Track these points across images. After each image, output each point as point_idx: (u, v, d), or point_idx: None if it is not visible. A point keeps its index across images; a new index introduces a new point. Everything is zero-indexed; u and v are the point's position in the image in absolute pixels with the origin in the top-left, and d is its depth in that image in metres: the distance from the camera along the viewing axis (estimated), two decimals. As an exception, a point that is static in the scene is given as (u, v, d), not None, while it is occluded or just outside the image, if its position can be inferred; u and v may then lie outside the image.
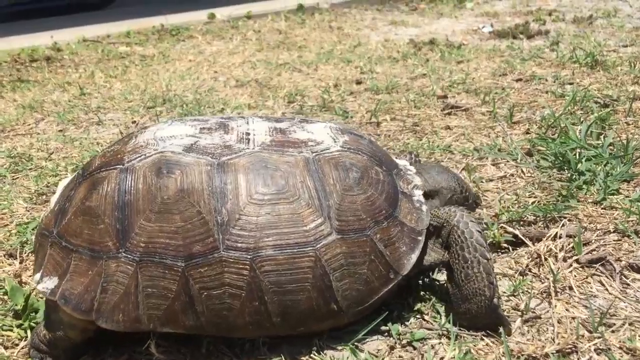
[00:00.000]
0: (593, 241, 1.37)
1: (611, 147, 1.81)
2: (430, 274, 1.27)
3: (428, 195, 1.26)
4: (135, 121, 2.63)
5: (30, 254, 1.56)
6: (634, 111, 2.13)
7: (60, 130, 2.58)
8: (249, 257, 1.03)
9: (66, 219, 1.11)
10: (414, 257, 1.11)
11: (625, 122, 2.05)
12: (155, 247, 1.04)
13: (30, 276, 1.45)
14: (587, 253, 1.32)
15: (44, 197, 1.90)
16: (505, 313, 1.15)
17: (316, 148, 1.13)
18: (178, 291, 1.03)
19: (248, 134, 1.15)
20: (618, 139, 1.87)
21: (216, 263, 1.02)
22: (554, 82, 2.66)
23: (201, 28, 4.73)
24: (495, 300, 1.08)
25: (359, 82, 2.96)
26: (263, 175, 1.07)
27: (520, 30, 3.88)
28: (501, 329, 1.08)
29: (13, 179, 2.06)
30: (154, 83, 3.24)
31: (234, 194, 1.05)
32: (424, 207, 1.18)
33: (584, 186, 1.60)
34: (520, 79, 2.77)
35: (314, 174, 1.09)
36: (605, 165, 1.69)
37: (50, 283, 1.08)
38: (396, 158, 1.35)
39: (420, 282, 1.28)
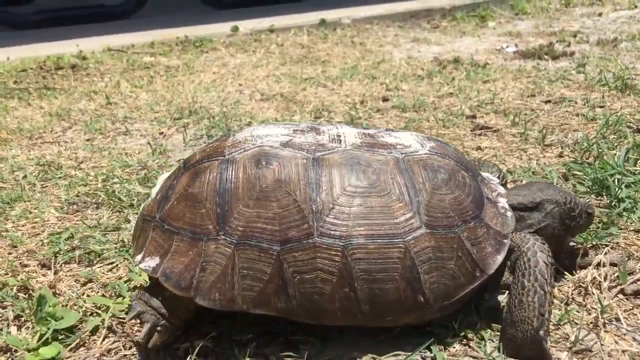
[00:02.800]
0: (637, 270, 1.34)
1: (649, 174, 1.78)
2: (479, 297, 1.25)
3: (529, 208, 1.29)
4: (162, 132, 2.64)
5: (63, 264, 1.56)
6: (670, 137, 2.11)
7: (88, 140, 2.59)
8: (341, 244, 1.08)
9: (169, 204, 1.20)
10: (499, 258, 1.15)
11: (661, 149, 2.02)
12: (253, 231, 1.10)
13: (66, 286, 1.45)
14: (631, 282, 1.30)
15: (75, 206, 1.90)
16: (551, 344, 1.12)
17: (405, 150, 1.20)
18: (272, 274, 1.08)
19: (339, 135, 1.23)
20: (656, 165, 1.84)
21: (310, 248, 1.08)
22: (584, 105, 2.64)
23: (224, 40, 4.75)
24: (541, 332, 1.06)
25: (385, 99, 2.96)
26: (356, 170, 1.13)
27: (545, 51, 3.86)
28: None
29: (43, 187, 2.06)
30: (180, 94, 3.25)
31: (328, 185, 1.12)
32: (509, 213, 1.22)
33: (624, 213, 1.58)
34: (549, 101, 2.75)
35: (403, 172, 1.15)
36: (645, 193, 1.67)
37: (151, 262, 1.17)
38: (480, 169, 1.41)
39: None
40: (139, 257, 1.19)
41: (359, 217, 1.10)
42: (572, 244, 1.41)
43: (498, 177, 1.41)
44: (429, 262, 1.09)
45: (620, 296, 1.27)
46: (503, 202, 1.25)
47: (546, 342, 1.08)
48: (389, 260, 1.08)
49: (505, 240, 1.17)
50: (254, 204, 1.12)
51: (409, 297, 1.08)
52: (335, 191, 1.11)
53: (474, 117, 2.57)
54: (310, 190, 1.11)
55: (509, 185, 1.71)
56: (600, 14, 5.58)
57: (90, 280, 1.48)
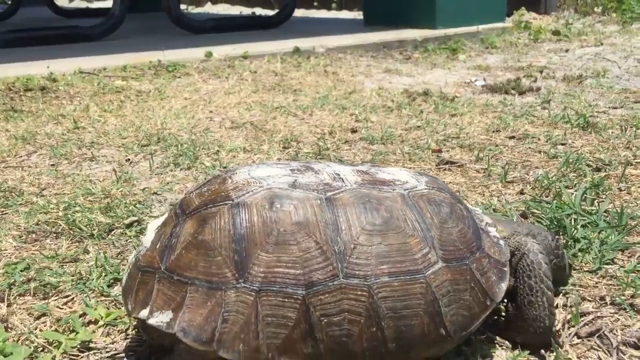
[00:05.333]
0: (590, 312, 1.37)
1: (605, 214, 1.83)
2: None
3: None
4: (129, 159, 2.62)
5: (18, 297, 1.53)
6: (627, 177, 2.17)
7: (53, 165, 2.56)
8: (367, 283, 1.08)
9: (175, 253, 1.15)
10: (503, 286, 1.20)
11: (618, 188, 2.08)
12: (275, 277, 1.08)
13: (19, 319, 1.42)
14: (584, 325, 1.32)
15: (34, 235, 1.87)
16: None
17: (405, 186, 1.22)
18: (298, 319, 1.06)
19: (338, 174, 1.23)
20: (612, 205, 1.89)
21: (336, 290, 1.07)
22: (547, 141, 2.71)
23: (198, 66, 4.76)
24: (552, 328, 1.20)
25: (354, 131, 2.99)
26: (369, 208, 1.14)
27: (512, 85, 3.95)
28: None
29: (2, 214, 2.03)
30: (149, 120, 3.24)
31: (346, 225, 1.12)
32: (502, 242, 1.28)
33: (579, 254, 1.61)
34: (514, 137, 2.81)
35: (412, 208, 1.17)
36: (599, 233, 1.70)
37: (163, 317, 1.11)
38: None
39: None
40: (144, 313, 1.13)
41: (381, 256, 1.10)
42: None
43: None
44: (448, 295, 1.12)
45: (575, 339, 1.29)
46: (493, 231, 1.30)
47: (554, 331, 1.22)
48: (412, 296, 1.09)
49: (505, 269, 1.23)
50: (274, 248, 1.09)
51: (432, 331, 1.10)
52: (354, 231, 1.11)
53: (439, 151, 2.61)
54: (329, 231, 1.11)
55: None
56: (567, 50, 5.74)
57: (44, 314, 1.45)
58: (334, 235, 1.10)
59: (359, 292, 1.07)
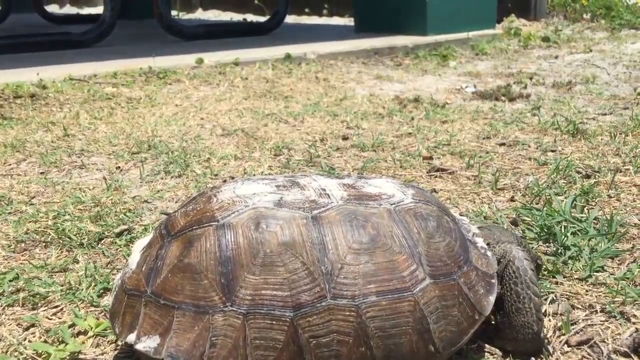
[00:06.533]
0: (580, 321, 1.37)
1: (595, 221, 1.84)
2: None
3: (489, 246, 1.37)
4: (119, 167, 2.61)
5: (6, 307, 1.51)
6: (616, 184, 2.18)
7: (42, 173, 2.54)
8: (355, 303, 1.08)
9: (161, 277, 1.14)
10: (491, 299, 1.20)
11: (608, 195, 2.09)
12: (262, 299, 1.08)
13: (8, 330, 1.40)
14: (575, 333, 1.32)
15: (23, 244, 1.85)
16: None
17: (391, 200, 1.21)
18: (286, 341, 1.06)
19: (323, 189, 1.22)
20: (602, 213, 1.90)
21: (325, 311, 1.07)
22: (537, 148, 2.72)
23: (189, 72, 4.75)
24: (541, 333, 1.20)
25: (345, 138, 2.99)
26: (355, 226, 1.13)
27: (502, 92, 3.97)
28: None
29: (-9, 224, 2.01)
30: (140, 127, 3.23)
31: (333, 244, 1.11)
32: (489, 253, 1.28)
33: (569, 261, 1.62)
34: (504, 144, 2.82)
35: (398, 223, 1.17)
36: (589, 241, 1.71)
37: (151, 342, 1.10)
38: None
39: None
40: (132, 337, 1.12)
41: (368, 275, 1.10)
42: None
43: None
44: (437, 312, 1.12)
45: (566, 347, 1.30)
46: (481, 242, 1.30)
47: (543, 336, 1.23)
48: (400, 315, 1.09)
49: (493, 281, 1.23)
50: (260, 270, 1.08)
51: (421, 348, 1.10)
52: (341, 250, 1.11)
53: (430, 158, 2.62)
54: (316, 251, 1.10)
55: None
56: (556, 57, 5.78)
57: (33, 325, 1.44)
58: (321, 256, 1.10)
59: (347, 313, 1.07)
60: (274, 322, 1.06)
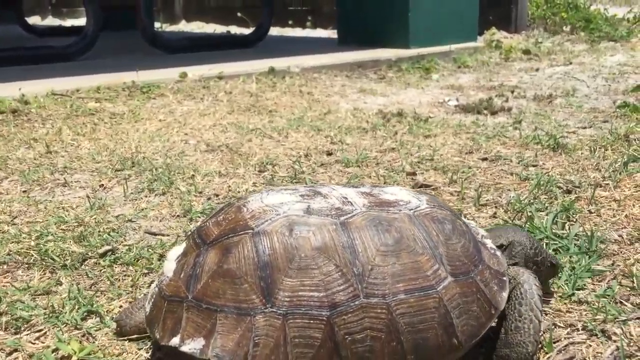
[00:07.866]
0: (563, 339, 1.39)
1: (576, 238, 1.86)
2: None
3: (500, 247, 1.44)
4: (102, 184, 2.60)
5: (-12, 332, 1.50)
6: (596, 199, 2.21)
7: (25, 191, 2.52)
8: (386, 301, 1.16)
9: (201, 283, 1.21)
10: (504, 295, 1.28)
11: (589, 211, 2.12)
12: (300, 300, 1.15)
13: (-13, 359, 1.39)
14: (558, 352, 1.34)
15: (5, 266, 1.84)
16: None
17: (409, 206, 1.30)
18: (324, 338, 1.13)
19: (345, 197, 1.31)
20: (582, 229, 1.93)
21: (358, 309, 1.15)
22: (519, 163, 2.75)
23: (172, 86, 4.74)
24: (534, 356, 1.24)
25: (329, 153, 3.00)
26: (380, 230, 1.22)
27: (484, 105, 4.02)
28: None
29: (-28, 244, 1.99)
30: (123, 144, 3.21)
31: (361, 247, 1.19)
32: (498, 253, 1.36)
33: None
34: (486, 158, 2.85)
35: (419, 227, 1.25)
36: (570, 258, 1.73)
37: (196, 344, 1.16)
38: None
39: None
40: (176, 341, 1.18)
41: (396, 275, 1.18)
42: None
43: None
44: (459, 308, 1.20)
45: (547, 365, 1.31)
46: (489, 243, 1.38)
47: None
48: (427, 311, 1.17)
49: (505, 278, 1.30)
50: (297, 273, 1.16)
51: (446, 341, 1.18)
52: (370, 252, 1.19)
53: (414, 174, 2.64)
54: (347, 254, 1.18)
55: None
56: (537, 69, 5.86)
57: (16, 350, 1.42)
58: (352, 258, 1.18)
59: (379, 310, 1.15)
60: (312, 321, 1.13)
